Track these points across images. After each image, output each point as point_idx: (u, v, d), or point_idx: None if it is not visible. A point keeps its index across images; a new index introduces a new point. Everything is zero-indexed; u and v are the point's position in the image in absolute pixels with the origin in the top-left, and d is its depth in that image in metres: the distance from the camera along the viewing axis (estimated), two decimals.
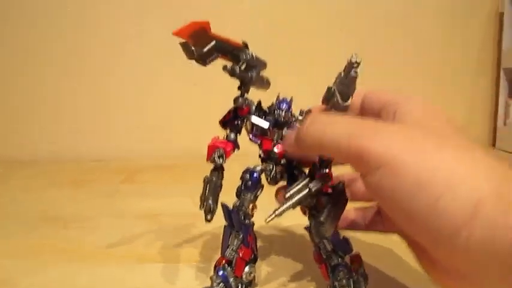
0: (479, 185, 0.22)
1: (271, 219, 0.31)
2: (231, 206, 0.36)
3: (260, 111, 0.38)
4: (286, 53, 0.91)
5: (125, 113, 0.95)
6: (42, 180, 0.77)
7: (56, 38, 0.91)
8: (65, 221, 0.55)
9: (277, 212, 0.31)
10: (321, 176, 0.33)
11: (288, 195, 0.32)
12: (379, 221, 0.38)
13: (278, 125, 0.36)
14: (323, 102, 0.35)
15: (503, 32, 0.94)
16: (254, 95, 0.38)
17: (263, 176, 0.37)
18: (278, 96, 0.37)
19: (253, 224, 0.36)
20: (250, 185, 0.36)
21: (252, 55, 0.36)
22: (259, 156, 0.37)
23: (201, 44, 0.34)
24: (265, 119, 0.37)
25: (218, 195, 0.36)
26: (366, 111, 0.35)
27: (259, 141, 0.37)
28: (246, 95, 0.37)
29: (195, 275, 0.40)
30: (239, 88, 0.37)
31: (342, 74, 0.32)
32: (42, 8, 0.90)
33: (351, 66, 0.31)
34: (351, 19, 0.93)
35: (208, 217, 0.35)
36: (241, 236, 0.35)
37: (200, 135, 0.34)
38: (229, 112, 0.38)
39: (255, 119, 0.36)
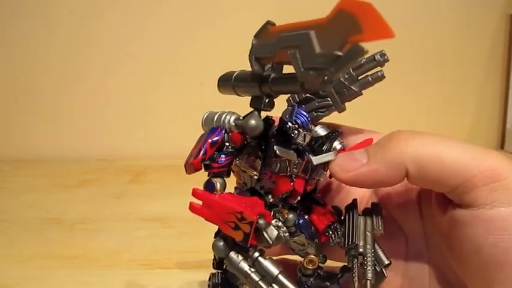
0: None
1: None
2: None
3: (284, 136, 0.25)
4: None
5: (129, 111, 0.94)
6: (47, 180, 0.76)
7: (60, 37, 0.90)
8: (70, 223, 0.55)
9: (369, 277, 0.24)
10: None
11: (367, 249, 0.24)
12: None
13: (299, 151, 0.25)
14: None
15: None
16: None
17: None
18: (291, 106, 0.25)
19: None
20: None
21: None
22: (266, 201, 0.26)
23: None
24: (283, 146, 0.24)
25: None
26: None
27: (274, 185, 0.25)
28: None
29: (205, 281, 0.39)
30: (300, 101, 0.26)
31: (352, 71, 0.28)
32: (43, 8, 0.89)
33: (379, 64, 0.26)
34: None
35: None
36: None
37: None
38: (213, 145, 0.24)
39: (282, 150, 0.24)
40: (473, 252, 0.23)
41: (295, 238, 0.28)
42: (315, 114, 0.29)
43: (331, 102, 0.28)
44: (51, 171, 0.82)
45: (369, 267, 0.24)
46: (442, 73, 0.95)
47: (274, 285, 0.24)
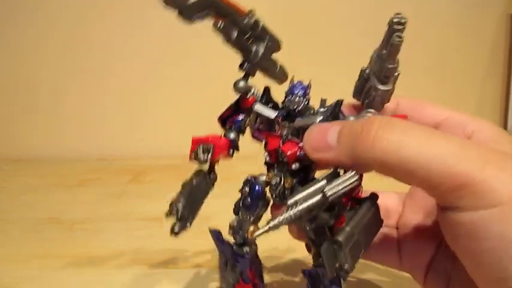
0: None
1: (259, 234, 0.23)
2: (225, 230, 0.29)
3: (268, 101, 0.29)
4: (306, 42, 0.90)
5: (129, 111, 0.94)
6: (47, 180, 0.76)
7: (59, 36, 0.90)
8: (70, 223, 0.55)
9: (271, 224, 0.22)
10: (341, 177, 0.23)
11: (290, 201, 0.22)
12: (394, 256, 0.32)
13: (290, 116, 0.28)
14: (355, 95, 0.29)
15: None
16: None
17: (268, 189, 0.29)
18: (292, 80, 0.28)
19: (255, 250, 0.29)
20: (250, 202, 0.28)
21: (259, 23, 0.27)
22: (265, 162, 0.29)
23: None
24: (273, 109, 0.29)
25: (197, 202, 0.28)
26: None
27: (263, 139, 0.29)
28: (250, 79, 0.29)
29: (204, 281, 0.39)
30: (241, 66, 0.28)
31: (378, 47, 0.26)
32: (43, 8, 0.89)
33: (393, 29, 0.23)
34: (362, 19, 0.92)
35: (176, 228, 0.27)
36: (238, 269, 0.28)
37: (206, 133, 0.31)
38: (230, 106, 0.30)
39: (259, 107, 0.29)
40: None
41: None
42: (367, 100, 0.28)
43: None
44: (51, 171, 0.82)
45: (279, 217, 0.22)
46: (442, 73, 0.95)
47: None
